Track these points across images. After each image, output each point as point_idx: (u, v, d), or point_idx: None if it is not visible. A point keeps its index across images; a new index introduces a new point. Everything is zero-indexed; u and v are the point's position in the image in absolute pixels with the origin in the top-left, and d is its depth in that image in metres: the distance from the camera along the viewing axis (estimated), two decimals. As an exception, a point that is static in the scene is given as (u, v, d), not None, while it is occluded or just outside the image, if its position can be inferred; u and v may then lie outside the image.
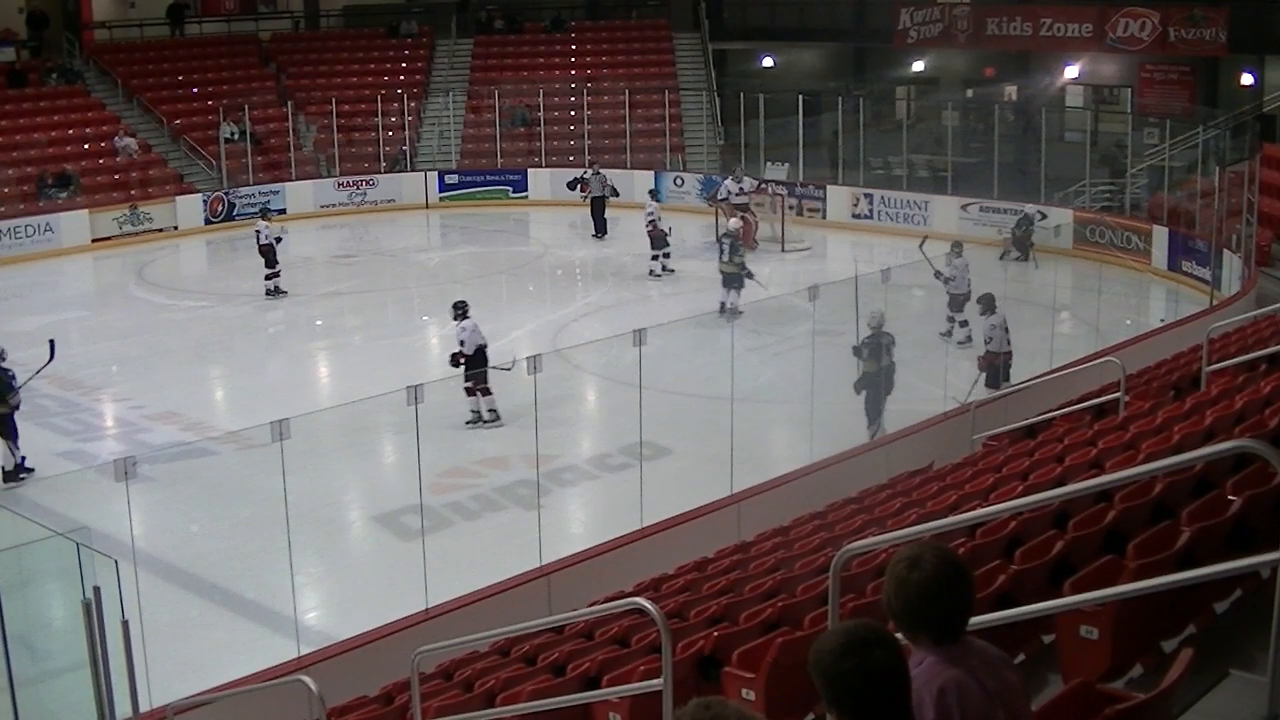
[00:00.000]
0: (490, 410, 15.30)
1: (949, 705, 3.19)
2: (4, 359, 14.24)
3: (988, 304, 14.97)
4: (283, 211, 29.24)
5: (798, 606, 6.90)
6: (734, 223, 21.20)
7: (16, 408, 14.18)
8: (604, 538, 10.94)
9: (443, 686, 7.84)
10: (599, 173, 26.82)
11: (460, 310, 15.68)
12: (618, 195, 26.85)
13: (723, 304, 19.80)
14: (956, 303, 17.27)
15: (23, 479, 14.07)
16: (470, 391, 15.23)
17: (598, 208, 26.52)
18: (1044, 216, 23.43)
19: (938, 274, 17.44)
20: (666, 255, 23.38)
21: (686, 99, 32.51)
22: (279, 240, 22.11)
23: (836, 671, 2.92)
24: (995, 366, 14.82)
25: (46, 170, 27.47)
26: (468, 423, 15.26)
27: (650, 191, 25.37)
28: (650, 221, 23.28)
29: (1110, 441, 9.02)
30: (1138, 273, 22.57)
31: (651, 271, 23.27)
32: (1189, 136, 24.40)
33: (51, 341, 15.40)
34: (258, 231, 22.37)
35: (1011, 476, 8.94)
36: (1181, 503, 6.24)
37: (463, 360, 15.34)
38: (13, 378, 14.20)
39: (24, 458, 14.21)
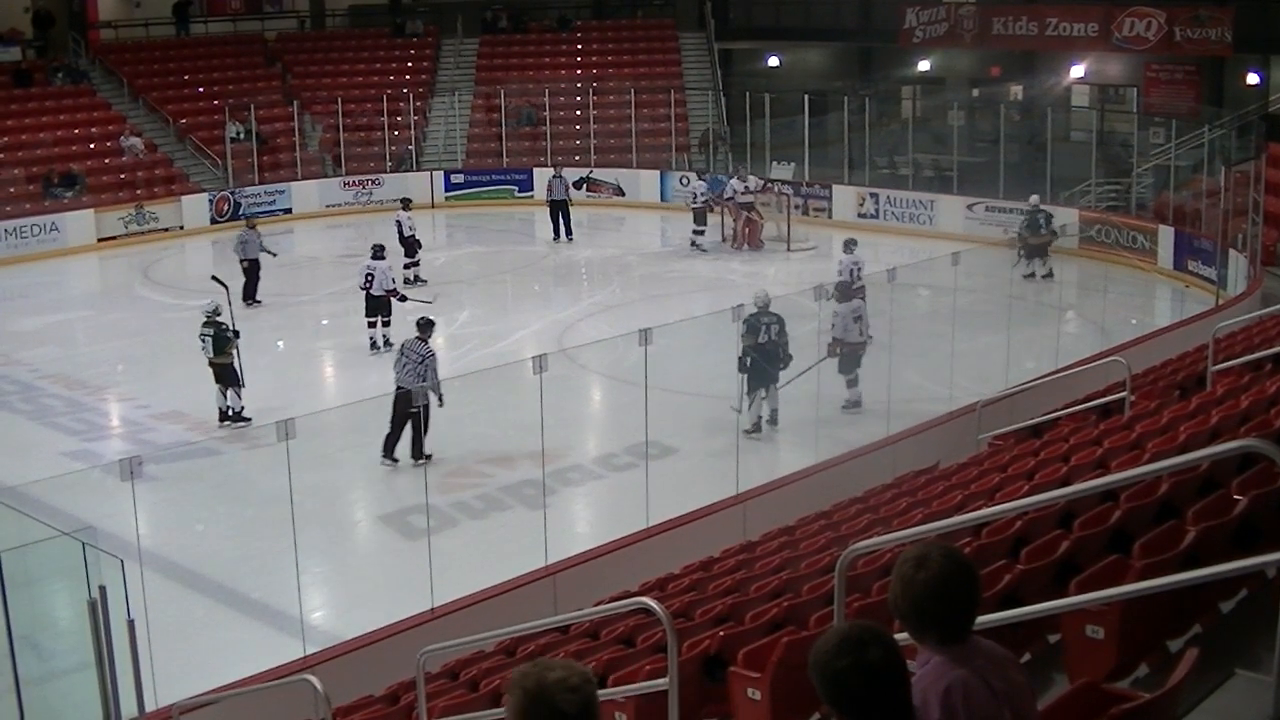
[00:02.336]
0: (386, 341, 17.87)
1: (955, 705, 3.18)
2: (219, 314, 15.03)
3: (842, 292, 15.28)
4: (288, 211, 29.34)
5: (803, 606, 6.90)
6: (1034, 198, 22.16)
7: (236, 355, 15.10)
8: (609, 537, 10.95)
9: (448, 686, 7.85)
10: (560, 176, 26.88)
11: (379, 251, 18.62)
12: (579, 191, 28.22)
13: (1034, 273, 21.34)
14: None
15: (228, 425, 15.00)
16: (380, 324, 18.20)
17: (556, 211, 26.52)
18: (1050, 217, 23.38)
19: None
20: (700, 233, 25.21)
21: (692, 99, 32.52)
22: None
23: (833, 670, 2.95)
24: (844, 355, 14.93)
25: (52, 170, 27.49)
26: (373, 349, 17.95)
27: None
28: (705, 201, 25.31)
29: (1115, 441, 9.01)
30: (1143, 272, 22.56)
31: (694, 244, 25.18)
32: (1194, 136, 24.35)
33: (214, 275, 16.95)
34: (398, 222, 22.69)
35: (1017, 476, 8.94)
36: (1187, 502, 6.24)
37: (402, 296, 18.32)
38: (228, 331, 15.04)
39: (243, 407, 15.04)
